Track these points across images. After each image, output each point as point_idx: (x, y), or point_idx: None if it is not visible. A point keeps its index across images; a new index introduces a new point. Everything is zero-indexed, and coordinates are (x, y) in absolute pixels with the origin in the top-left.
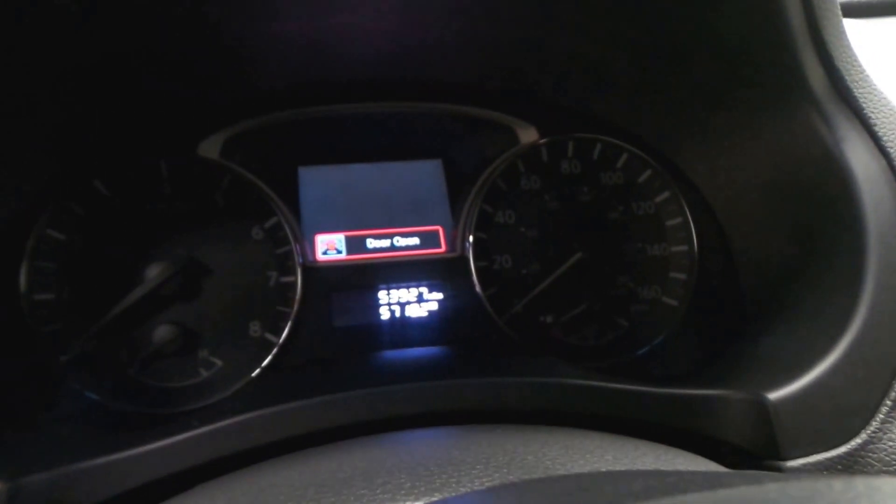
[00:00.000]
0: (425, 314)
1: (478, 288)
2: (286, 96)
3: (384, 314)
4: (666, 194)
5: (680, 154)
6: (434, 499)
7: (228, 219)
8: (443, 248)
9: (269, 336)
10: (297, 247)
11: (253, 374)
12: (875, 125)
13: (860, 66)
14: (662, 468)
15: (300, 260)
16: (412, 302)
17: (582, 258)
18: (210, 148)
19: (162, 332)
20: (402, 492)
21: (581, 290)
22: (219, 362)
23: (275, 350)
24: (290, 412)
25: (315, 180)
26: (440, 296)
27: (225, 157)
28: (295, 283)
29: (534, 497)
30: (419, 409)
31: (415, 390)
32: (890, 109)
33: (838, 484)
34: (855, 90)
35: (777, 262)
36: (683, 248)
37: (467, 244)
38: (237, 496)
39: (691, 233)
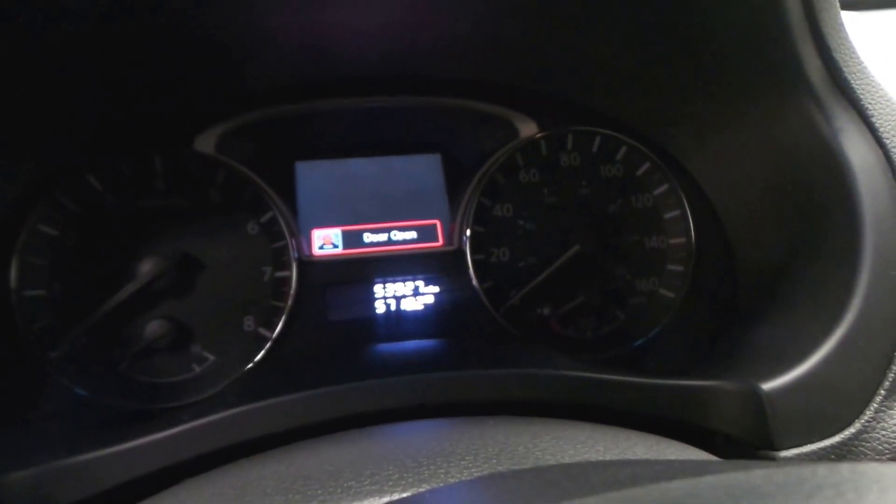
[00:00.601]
0: (421, 307)
1: (474, 281)
2: (284, 91)
3: (380, 308)
4: (664, 187)
5: (678, 146)
6: (421, 490)
7: (223, 214)
8: (440, 242)
9: (263, 331)
10: (293, 241)
11: (245, 369)
12: (872, 116)
13: (858, 57)
14: (654, 458)
15: (295, 255)
16: (408, 295)
17: (580, 251)
18: (205, 142)
19: (154, 328)
20: (390, 483)
21: (578, 283)
22: (211, 357)
23: (268, 345)
24: (280, 406)
25: (312, 175)
26: (436, 289)
27: (220, 151)
28: (290, 277)
29: (520, 486)
30: (412, 402)
31: (408, 383)
32: (887, 101)
33: (822, 469)
34: (852, 81)
35: (773, 254)
36: (681, 240)
37: (464, 237)
38: (224, 489)
39: (689, 225)
